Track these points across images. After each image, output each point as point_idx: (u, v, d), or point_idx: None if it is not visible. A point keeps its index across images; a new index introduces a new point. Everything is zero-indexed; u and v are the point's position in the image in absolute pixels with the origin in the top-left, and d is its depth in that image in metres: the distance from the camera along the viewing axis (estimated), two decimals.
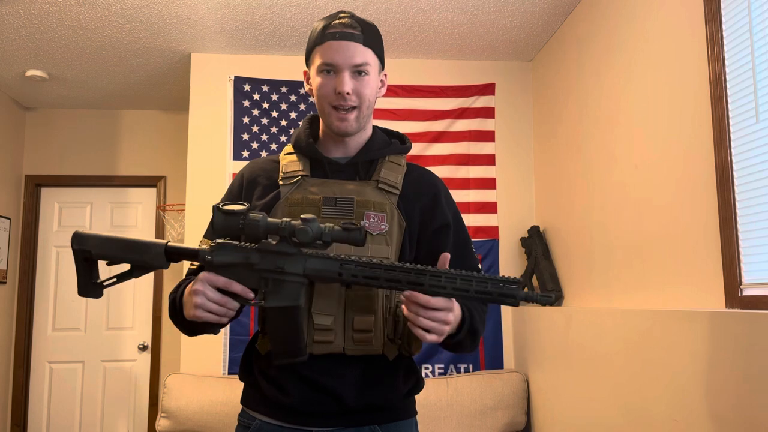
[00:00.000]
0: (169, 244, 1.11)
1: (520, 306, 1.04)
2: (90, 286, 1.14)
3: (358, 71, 1.20)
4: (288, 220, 1.05)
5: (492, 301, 1.02)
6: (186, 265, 1.27)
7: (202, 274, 1.07)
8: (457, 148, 3.44)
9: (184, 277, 1.26)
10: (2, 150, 3.99)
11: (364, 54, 1.20)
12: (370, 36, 1.22)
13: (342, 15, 1.22)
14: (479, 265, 1.30)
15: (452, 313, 1.04)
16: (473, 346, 1.19)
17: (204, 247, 1.10)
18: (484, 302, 1.03)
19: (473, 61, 3.55)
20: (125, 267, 1.14)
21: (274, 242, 1.07)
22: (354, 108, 1.20)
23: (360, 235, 1.02)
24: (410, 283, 1.02)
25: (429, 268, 1.02)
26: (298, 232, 1.02)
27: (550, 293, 1.00)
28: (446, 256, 1.07)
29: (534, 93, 3.54)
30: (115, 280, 1.14)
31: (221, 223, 1.05)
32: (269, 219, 1.06)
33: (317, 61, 1.21)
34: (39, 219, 4.24)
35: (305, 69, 1.30)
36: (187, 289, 1.10)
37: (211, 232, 1.21)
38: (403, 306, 1.04)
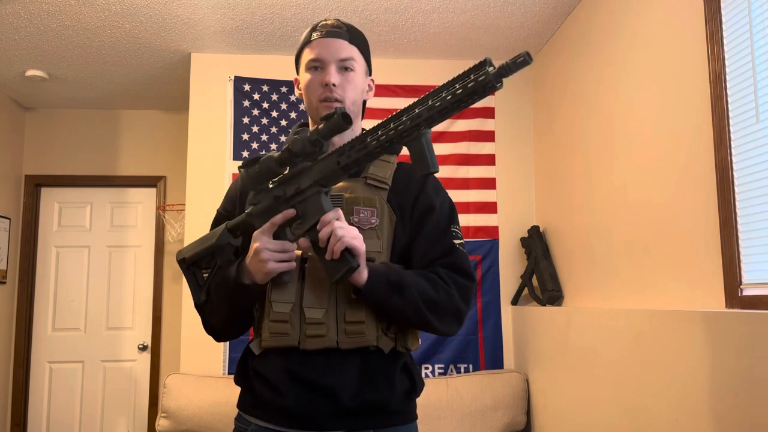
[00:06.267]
0: (227, 224, 1.20)
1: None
2: (200, 291, 1.24)
3: (344, 67, 1.25)
4: (286, 145, 1.09)
5: (473, 96, 0.92)
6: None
7: (254, 233, 1.13)
8: (457, 148, 3.44)
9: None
10: (2, 150, 3.99)
11: (349, 50, 1.26)
12: (355, 36, 1.29)
13: (327, 18, 1.30)
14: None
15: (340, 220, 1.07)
16: (407, 309, 1.14)
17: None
18: (468, 104, 0.93)
19: (473, 61, 3.54)
20: None
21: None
22: (339, 101, 1.24)
23: (339, 116, 1.01)
24: (396, 131, 0.98)
25: (401, 109, 0.99)
26: (292, 144, 1.06)
27: (527, 56, 0.87)
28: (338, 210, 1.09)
29: (534, 93, 3.54)
30: (206, 274, 1.24)
31: (246, 179, 1.13)
32: (274, 154, 1.10)
33: (305, 60, 1.28)
34: (39, 219, 4.24)
35: (296, 77, 1.35)
36: (247, 258, 1.14)
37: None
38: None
